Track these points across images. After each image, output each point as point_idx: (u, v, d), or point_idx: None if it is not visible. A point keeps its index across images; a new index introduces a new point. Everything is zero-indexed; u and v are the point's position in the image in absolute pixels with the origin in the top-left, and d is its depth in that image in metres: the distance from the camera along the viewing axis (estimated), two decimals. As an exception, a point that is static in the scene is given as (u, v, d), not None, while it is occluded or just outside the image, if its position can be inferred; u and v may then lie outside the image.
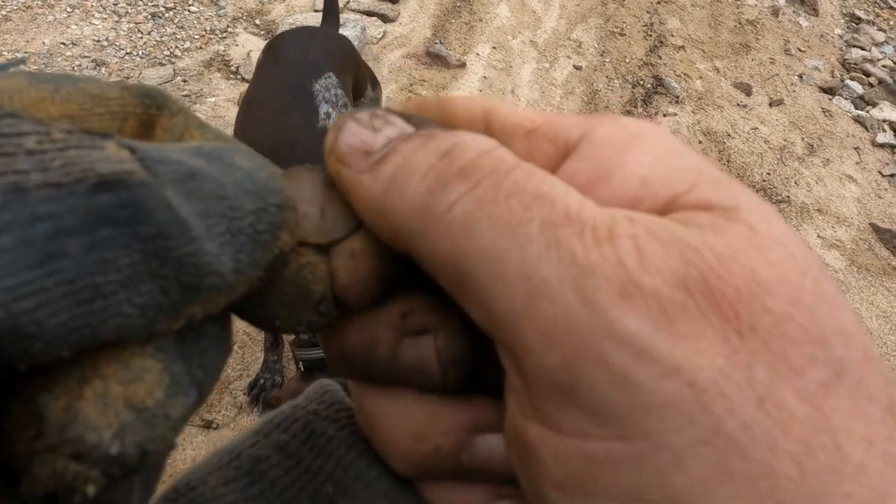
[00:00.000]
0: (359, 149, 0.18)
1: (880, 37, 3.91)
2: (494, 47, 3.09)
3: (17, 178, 0.12)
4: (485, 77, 2.93)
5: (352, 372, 0.21)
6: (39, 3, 2.56)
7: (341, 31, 2.73)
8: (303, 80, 1.61)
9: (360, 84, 1.90)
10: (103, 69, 2.45)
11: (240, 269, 0.15)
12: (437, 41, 3.00)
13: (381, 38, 2.93)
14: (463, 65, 2.93)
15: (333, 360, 0.21)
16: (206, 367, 0.16)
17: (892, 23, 4.05)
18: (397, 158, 0.18)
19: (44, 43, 2.45)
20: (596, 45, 3.28)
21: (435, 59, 2.92)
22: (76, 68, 2.41)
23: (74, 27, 2.54)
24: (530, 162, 0.17)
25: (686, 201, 0.17)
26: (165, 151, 0.15)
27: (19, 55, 2.27)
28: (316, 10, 2.86)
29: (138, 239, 0.13)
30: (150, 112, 0.17)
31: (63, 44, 2.48)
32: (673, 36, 3.45)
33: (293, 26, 2.69)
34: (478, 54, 3.02)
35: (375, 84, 2.06)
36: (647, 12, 3.56)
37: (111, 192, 0.13)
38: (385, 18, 3.01)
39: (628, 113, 2.97)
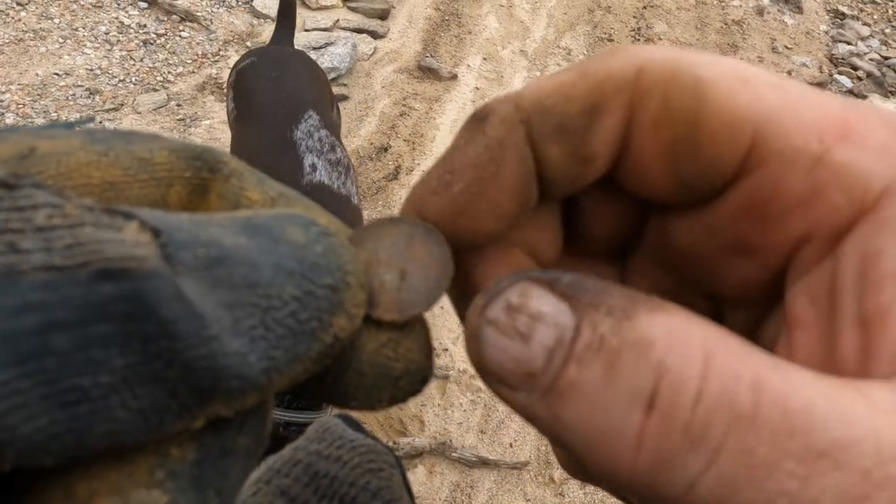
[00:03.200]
0: (515, 370, 0.14)
1: (865, 31, 3.94)
2: (485, 58, 3.11)
3: (15, 260, 0.11)
4: (477, 88, 2.95)
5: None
6: (31, 35, 2.57)
7: (333, 50, 2.75)
8: (282, 129, 1.47)
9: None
10: (97, 97, 2.46)
11: (274, 367, 0.13)
12: (428, 54, 3.02)
13: (371, 55, 2.95)
14: (455, 77, 2.95)
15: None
16: (224, 493, 0.14)
17: (876, 17, 4.10)
18: (578, 401, 0.13)
19: (37, 74, 2.46)
20: (585, 52, 3.31)
21: (426, 72, 2.94)
22: (70, 98, 2.42)
23: (67, 57, 2.56)
24: (813, 203, 0.13)
25: None
26: (198, 231, 0.13)
27: (89, 114, 2.28)
28: (306, 30, 2.89)
29: (137, 338, 0.12)
30: (201, 175, 0.16)
31: (56, 74, 2.49)
32: (661, 39, 3.48)
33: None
34: (469, 66, 3.04)
35: (334, 102, 1.90)
36: (634, 17, 3.59)
37: (114, 281, 0.11)
38: (375, 35, 3.04)
39: (621, 117, 2.98)
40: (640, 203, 0.20)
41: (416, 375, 0.17)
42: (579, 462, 0.14)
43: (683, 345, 0.13)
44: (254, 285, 0.13)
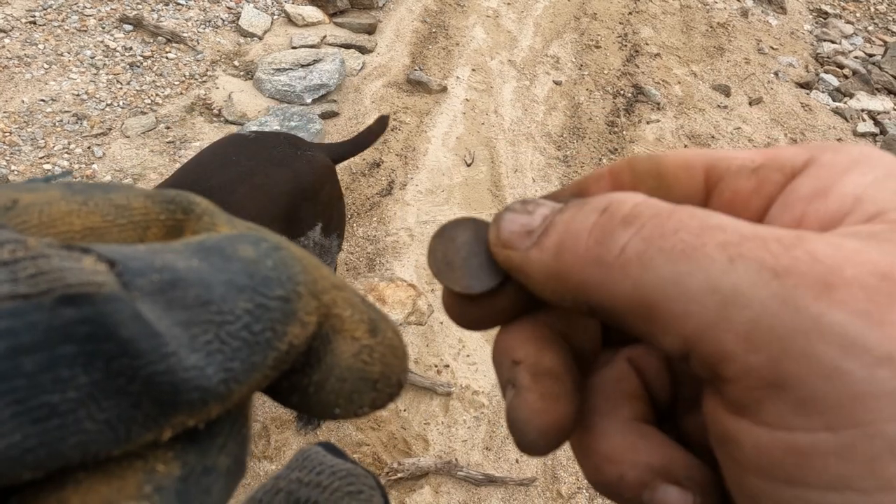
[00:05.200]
0: (520, 231, 0.20)
1: (848, 29, 3.98)
2: (474, 69, 3.10)
3: None
4: (467, 99, 2.94)
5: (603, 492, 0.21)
6: (15, 61, 2.55)
7: (322, 67, 2.74)
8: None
9: (304, 219, 1.61)
10: (84, 122, 2.43)
11: (232, 377, 0.14)
12: (417, 68, 3.02)
13: (360, 70, 2.94)
14: (444, 89, 2.95)
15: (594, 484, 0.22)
16: None
17: (858, 15, 4.13)
18: (559, 227, 0.19)
19: (23, 101, 2.44)
20: (573, 60, 3.31)
21: (416, 85, 2.93)
22: (57, 124, 2.39)
23: (53, 83, 2.53)
24: (760, 190, 0.19)
25: (892, 217, 0.17)
26: (152, 259, 0.14)
27: (62, 170, 2.27)
28: (293, 47, 2.87)
29: (99, 357, 0.13)
30: (176, 217, 0.17)
31: (42, 100, 2.46)
32: (647, 44, 3.49)
33: (272, 66, 2.69)
34: (458, 77, 3.04)
35: (331, 228, 1.73)
36: (620, 23, 3.61)
37: (75, 306, 0.12)
38: (363, 50, 3.03)
39: (611, 123, 2.99)
40: None
41: (392, 377, 0.18)
42: (551, 280, 0.19)
43: (633, 194, 0.19)
44: (207, 303, 0.14)
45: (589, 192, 0.23)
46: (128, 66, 2.67)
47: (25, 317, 0.12)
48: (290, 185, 1.54)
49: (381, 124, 1.93)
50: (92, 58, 2.65)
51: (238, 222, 0.18)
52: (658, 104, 3.14)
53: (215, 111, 2.60)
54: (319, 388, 0.17)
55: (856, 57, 3.74)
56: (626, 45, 3.46)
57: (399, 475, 1.75)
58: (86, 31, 2.74)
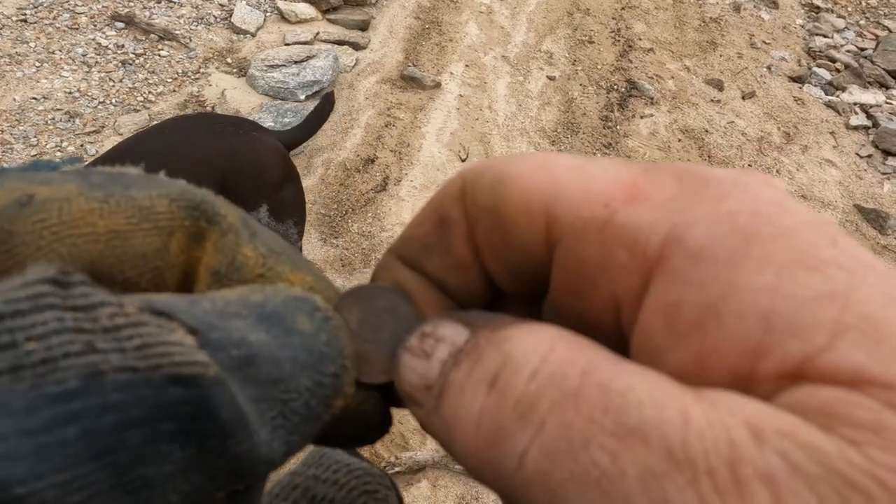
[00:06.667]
0: (419, 385, 0.16)
1: (840, 23, 3.99)
2: (467, 65, 3.10)
3: (95, 360, 0.12)
4: (461, 95, 2.94)
5: None
6: (6, 59, 2.53)
7: (315, 63, 2.73)
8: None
9: (243, 198, 1.60)
10: (77, 120, 2.42)
11: (290, 450, 0.15)
12: (410, 64, 3.02)
13: (353, 66, 2.94)
14: (438, 85, 2.94)
15: None
16: None
17: (850, 9, 4.15)
18: (450, 397, 0.15)
19: (14, 99, 2.42)
20: (567, 55, 3.32)
21: (410, 81, 2.93)
22: (49, 122, 2.38)
23: (45, 81, 2.52)
24: (608, 270, 0.14)
25: (824, 367, 0.12)
26: (226, 326, 0.15)
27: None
28: (286, 44, 2.87)
29: (197, 435, 0.13)
30: (199, 225, 0.17)
31: (34, 98, 2.45)
32: (640, 39, 3.50)
33: (265, 62, 2.69)
34: (451, 73, 3.04)
35: (283, 214, 1.72)
36: (613, 18, 3.61)
37: (183, 386, 0.13)
38: (356, 46, 3.02)
39: (605, 118, 2.99)
40: None
41: (387, 419, 0.20)
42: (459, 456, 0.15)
43: (533, 338, 0.14)
44: (277, 381, 0.15)
45: (449, 219, 0.19)
46: (120, 64, 2.66)
47: (135, 391, 0.12)
48: (225, 161, 1.54)
49: (328, 102, 1.93)
50: (84, 55, 2.64)
51: (260, 238, 0.18)
52: (652, 99, 3.14)
53: (208, 108, 2.59)
54: (327, 432, 0.18)
55: (848, 51, 3.76)
56: (619, 41, 3.47)
57: (396, 469, 1.75)
58: (77, 28, 2.73)
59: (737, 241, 0.13)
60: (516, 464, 0.13)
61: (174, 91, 2.63)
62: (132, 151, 1.47)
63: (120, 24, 2.78)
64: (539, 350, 0.14)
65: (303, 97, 2.67)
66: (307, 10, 3.07)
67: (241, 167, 1.58)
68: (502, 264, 0.18)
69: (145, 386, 0.12)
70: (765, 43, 3.70)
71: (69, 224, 0.15)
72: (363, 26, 3.13)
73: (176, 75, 2.69)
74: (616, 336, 0.16)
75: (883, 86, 3.54)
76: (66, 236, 0.15)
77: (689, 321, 0.13)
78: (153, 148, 1.49)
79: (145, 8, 2.89)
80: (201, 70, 2.74)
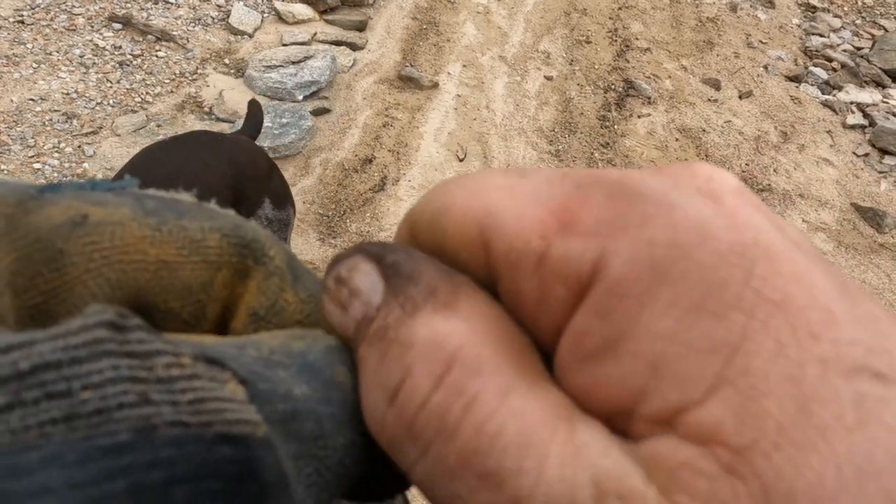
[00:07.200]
0: (343, 330, 0.16)
1: (837, 23, 4.00)
2: (465, 65, 3.11)
3: (149, 412, 0.12)
4: (458, 95, 2.94)
5: None
6: (4, 61, 2.53)
7: (312, 63, 2.73)
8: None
9: (250, 197, 1.63)
10: (75, 121, 2.42)
11: None
12: (408, 64, 3.02)
13: (351, 67, 2.94)
14: (436, 85, 2.95)
15: None
16: None
17: (846, 8, 4.16)
18: (363, 378, 0.16)
19: (12, 101, 2.42)
20: (564, 55, 3.32)
21: (407, 81, 2.93)
22: (47, 123, 2.38)
23: (42, 82, 2.52)
24: (546, 303, 0.15)
25: (690, 421, 0.12)
26: (271, 376, 0.15)
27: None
28: (284, 45, 2.87)
29: (240, 495, 0.13)
30: (246, 263, 0.17)
31: (32, 100, 2.45)
32: (637, 39, 3.50)
33: (263, 63, 2.69)
34: (449, 73, 3.04)
35: (281, 201, 1.75)
36: (610, 18, 3.62)
37: (232, 446, 0.13)
38: (354, 46, 3.03)
39: (603, 118, 3.00)
40: None
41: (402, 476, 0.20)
42: None
43: (433, 353, 0.15)
44: (317, 438, 0.15)
45: (450, 239, 0.17)
46: (118, 65, 2.66)
47: (185, 448, 0.12)
48: (231, 168, 1.56)
49: (254, 106, 1.94)
50: (81, 57, 2.64)
51: (303, 283, 0.18)
52: (649, 98, 3.15)
53: (206, 109, 2.59)
54: (354, 489, 0.18)
55: (844, 50, 3.77)
56: (616, 40, 3.47)
57: (395, 468, 1.75)
58: (75, 30, 2.73)
59: (648, 279, 0.13)
60: (409, 466, 0.15)
61: (172, 92, 2.63)
62: (163, 164, 1.45)
63: (117, 26, 2.78)
64: (435, 371, 0.14)
65: (300, 97, 2.67)
66: (304, 11, 3.07)
67: (244, 170, 1.60)
68: None
69: (195, 443, 0.12)
70: (761, 42, 3.71)
71: (120, 249, 0.15)
72: (360, 27, 3.13)
73: (173, 76, 2.69)
74: None
75: (879, 85, 3.55)
76: (115, 262, 0.15)
77: (592, 350, 0.14)
78: (177, 163, 1.47)
79: (143, 9, 2.89)
80: (199, 71, 2.74)
